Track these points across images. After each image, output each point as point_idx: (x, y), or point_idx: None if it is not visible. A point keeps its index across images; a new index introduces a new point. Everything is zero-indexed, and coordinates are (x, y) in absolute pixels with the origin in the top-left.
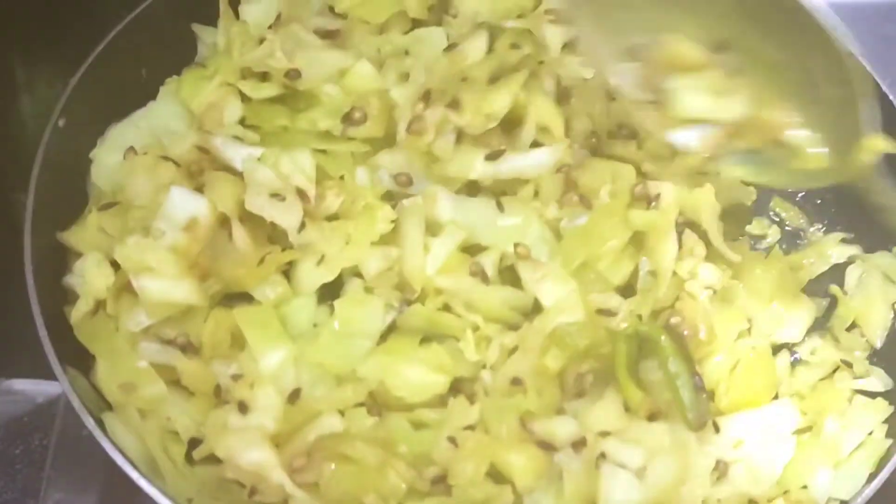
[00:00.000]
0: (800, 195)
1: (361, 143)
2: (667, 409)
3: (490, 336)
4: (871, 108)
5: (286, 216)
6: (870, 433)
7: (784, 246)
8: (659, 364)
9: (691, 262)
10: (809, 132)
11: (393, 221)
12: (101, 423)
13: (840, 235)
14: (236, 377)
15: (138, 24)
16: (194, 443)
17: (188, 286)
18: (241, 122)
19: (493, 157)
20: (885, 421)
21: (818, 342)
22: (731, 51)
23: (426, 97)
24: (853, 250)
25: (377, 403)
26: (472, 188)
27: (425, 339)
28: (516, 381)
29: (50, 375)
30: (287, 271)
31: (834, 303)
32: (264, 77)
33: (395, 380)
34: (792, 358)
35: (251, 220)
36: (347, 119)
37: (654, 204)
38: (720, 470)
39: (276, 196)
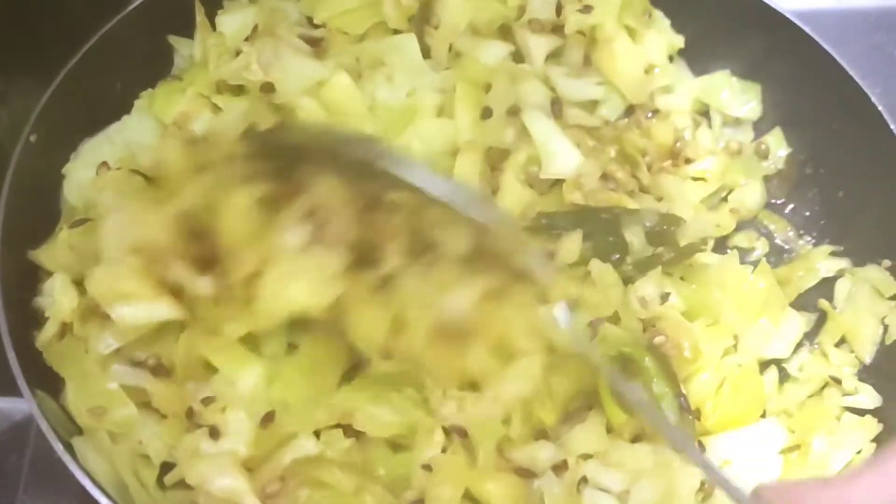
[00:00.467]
0: (788, 207)
1: None
2: (651, 430)
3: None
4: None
5: None
6: (858, 452)
7: (772, 259)
8: (643, 385)
9: None
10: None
11: None
12: (70, 448)
13: (829, 248)
14: (207, 401)
15: (112, 36)
16: (167, 467)
17: (166, 303)
18: None
19: None
20: (874, 440)
21: (807, 358)
22: None
23: None
24: (842, 263)
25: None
26: None
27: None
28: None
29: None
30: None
31: (823, 317)
32: (240, 90)
33: (359, 415)
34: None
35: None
36: None
37: None
38: (705, 491)
39: None
